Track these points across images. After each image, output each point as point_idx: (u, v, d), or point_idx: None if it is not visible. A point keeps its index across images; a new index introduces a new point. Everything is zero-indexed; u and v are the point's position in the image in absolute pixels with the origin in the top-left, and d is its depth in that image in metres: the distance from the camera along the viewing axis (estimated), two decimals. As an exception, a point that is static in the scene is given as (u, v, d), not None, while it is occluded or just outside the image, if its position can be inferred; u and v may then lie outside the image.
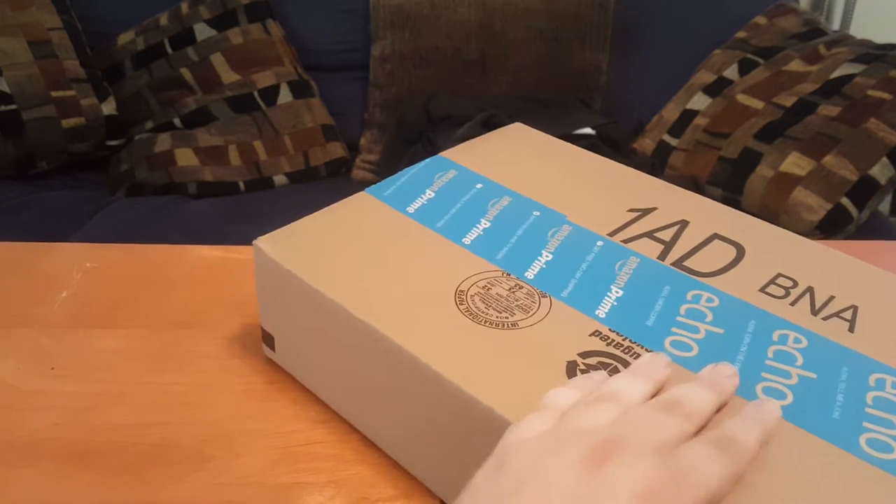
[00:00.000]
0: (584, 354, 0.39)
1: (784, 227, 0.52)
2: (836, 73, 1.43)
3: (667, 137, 1.53)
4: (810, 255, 0.48)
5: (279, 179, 1.52)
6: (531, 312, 0.42)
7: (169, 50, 1.56)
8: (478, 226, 0.48)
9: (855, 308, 0.43)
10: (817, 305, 0.43)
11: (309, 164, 1.55)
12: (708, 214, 0.51)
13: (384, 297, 0.43)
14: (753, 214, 0.53)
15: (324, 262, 0.45)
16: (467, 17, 1.61)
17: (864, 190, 1.29)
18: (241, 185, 1.49)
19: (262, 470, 0.43)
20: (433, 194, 0.51)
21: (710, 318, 0.42)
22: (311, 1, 1.66)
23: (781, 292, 0.44)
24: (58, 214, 1.37)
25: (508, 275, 0.44)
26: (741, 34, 1.60)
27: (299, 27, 1.65)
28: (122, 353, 0.51)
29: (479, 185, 0.52)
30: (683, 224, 0.49)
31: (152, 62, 1.57)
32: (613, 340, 0.40)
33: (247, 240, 0.49)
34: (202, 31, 1.56)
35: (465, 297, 0.43)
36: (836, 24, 1.91)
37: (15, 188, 1.44)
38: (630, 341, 0.40)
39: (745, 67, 1.52)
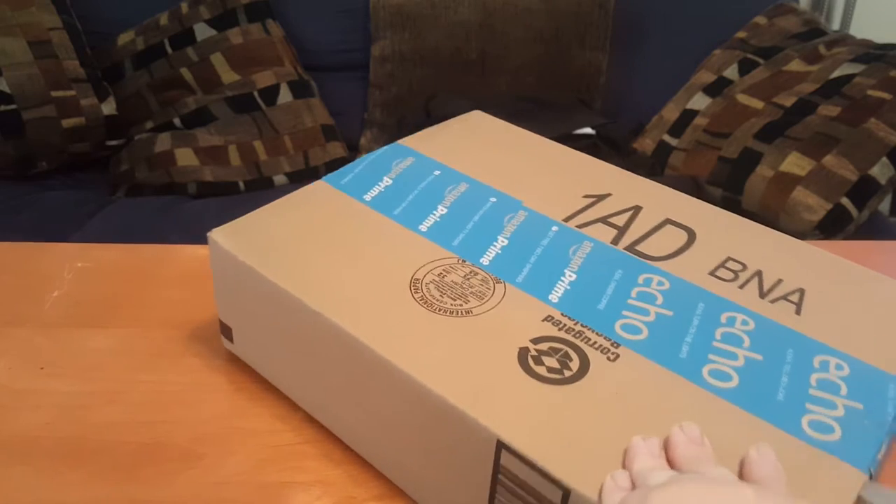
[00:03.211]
0: (535, 340, 0.39)
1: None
2: (836, 73, 1.42)
3: (667, 137, 1.52)
4: (760, 239, 0.48)
5: (279, 179, 1.52)
6: (485, 299, 0.42)
7: (169, 50, 1.57)
8: (434, 213, 0.49)
9: (802, 291, 0.44)
10: (765, 288, 0.44)
11: (309, 164, 1.55)
12: (661, 200, 0.51)
13: (338, 288, 0.43)
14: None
15: (278, 252, 0.45)
16: (467, 17, 1.61)
17: (864, 190, 1.29)
18: (241, 185, 1.49)
19: (252, 469, 0.43)
20: (390, 181, 0.51)
21: (660, 300, 0.42)
22: (311, 1, 1.66)
23: (730, 275, 0.44)
24: (58, 214, 1.37)
25: (464, 261, 0.45)
26: (741, 34, 1.59)
27: (299, 27, 1.65)
28: (114, 353, 0.51)
29: (436, 172, 0.52)
30: (637, 209, 0.50)
31: (152, 62, 1.57)
32: (565, 325, 0.40)
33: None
34: (202, 31, 1.56)
35: (420, 285, 0.43)
36: (836, 24, 1.91)
37: (15, 188, 1.44)
38: (581, 325, 0.40)
39: (745, 67, 1.52)
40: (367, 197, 0.50)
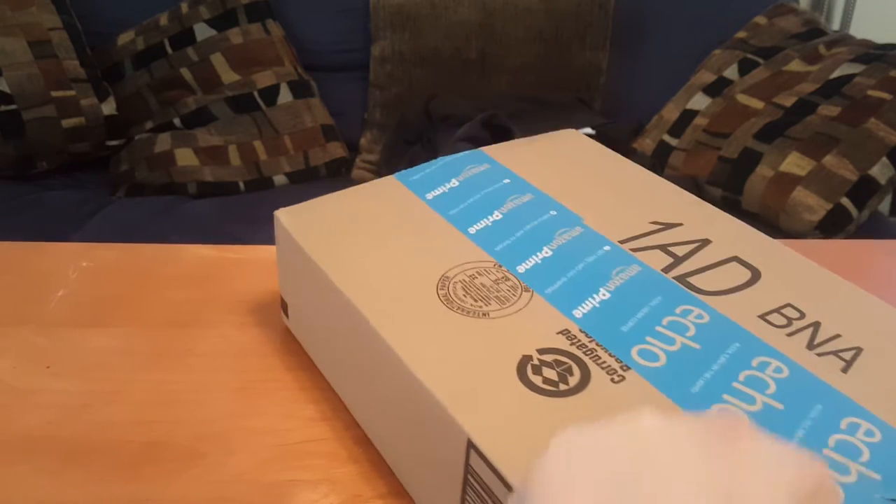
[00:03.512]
0: (542, 351, 0.38)
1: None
2: (836, 73, 1.42)
3: (667, 137, 1.52)
4: (831, 291, 0.45)
5: (279, 179, 1.52)
6: (507, 305, 0.41)
7: (169, 50, 1.57)
8: (488, 217, 0.48)
9: (858, 350, 0.40)
10: (817, 341, 0.41)
11: (309, 164, 1.55)
12: (736, 236, 0.48)
13: (368, 273, 0.43)
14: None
15: (330, 237, 0.47)
16: (467, 17, 1.61)
17: (864, 190, 1.29)
18: (241, 185, 1.50)
19: (256, 467, 0.43)
20: (457, 184, 0.51)
21: (692, 332, 0.40)
22: (311, 1, 1.66)
23: (783, 322, 0.42)
24: (58, 214, 1.37)
25: (500, 266, 0.44)
26: (741, 34, 1.60)
27: (299, 27, 1.65)
28: (117, 352, 0.51)
29: (505, 181, 0.52)
30: (705, 243, 0.48)
31: (152, 62, 1.57)
32: (579, 341, 0.39)
33: (247, 240, 0.49)
34: (202, 31, 1.57)
35: (448, 283, 0.43)
36: (836, 24, 1.91)
37: (15, 188, 1.44)
38: (596, 344, 0.39)
39: (745, 67, 1.52)
40: (430, 196, 0.50)
